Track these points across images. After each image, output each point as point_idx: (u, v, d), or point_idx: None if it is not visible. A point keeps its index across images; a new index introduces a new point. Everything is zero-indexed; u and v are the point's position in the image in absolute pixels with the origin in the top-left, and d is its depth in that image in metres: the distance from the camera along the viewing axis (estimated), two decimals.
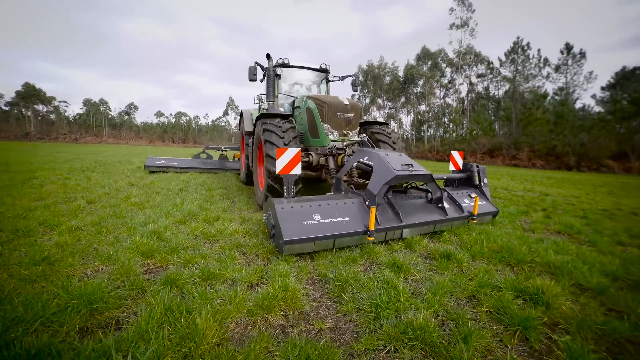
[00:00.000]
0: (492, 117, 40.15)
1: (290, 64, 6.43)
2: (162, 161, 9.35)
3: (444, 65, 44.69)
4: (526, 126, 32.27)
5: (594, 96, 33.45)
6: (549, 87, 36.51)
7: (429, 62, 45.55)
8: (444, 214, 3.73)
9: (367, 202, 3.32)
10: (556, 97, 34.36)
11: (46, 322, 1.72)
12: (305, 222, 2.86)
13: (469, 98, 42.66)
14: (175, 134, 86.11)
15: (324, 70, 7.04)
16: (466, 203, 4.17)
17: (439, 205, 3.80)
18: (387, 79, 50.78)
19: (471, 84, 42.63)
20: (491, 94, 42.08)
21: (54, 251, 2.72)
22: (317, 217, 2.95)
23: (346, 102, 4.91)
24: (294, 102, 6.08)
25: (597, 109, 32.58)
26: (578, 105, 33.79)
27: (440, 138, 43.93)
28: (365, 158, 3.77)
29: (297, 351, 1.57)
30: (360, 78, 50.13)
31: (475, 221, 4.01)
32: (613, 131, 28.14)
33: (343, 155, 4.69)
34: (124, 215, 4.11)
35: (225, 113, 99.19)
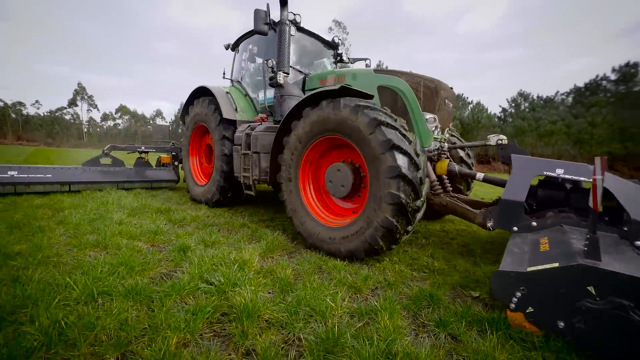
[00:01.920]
0: None
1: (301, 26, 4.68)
2: (12, 173, 5.07)
3: None
4: None
5: None
6: None
7: None
8: None
9: (634, 243, 2.12)
10: None
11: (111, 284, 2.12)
12: None
13: None
14: None
15: (334, 46, 5.32)
16: None
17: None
18: None
19: None
20: None
21: (24, 249, 2.58)
22: None
23: (451, 85, 3.75)
24: (304, 80, 4.43)
25: None
26: None
27: None
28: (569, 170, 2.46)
29: (307, 256, 2.70)
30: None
31: None
32: None
33: (448, 160, 3.53)
34: (42, 217, 3.70)
35: (73, 103, 77.82)
